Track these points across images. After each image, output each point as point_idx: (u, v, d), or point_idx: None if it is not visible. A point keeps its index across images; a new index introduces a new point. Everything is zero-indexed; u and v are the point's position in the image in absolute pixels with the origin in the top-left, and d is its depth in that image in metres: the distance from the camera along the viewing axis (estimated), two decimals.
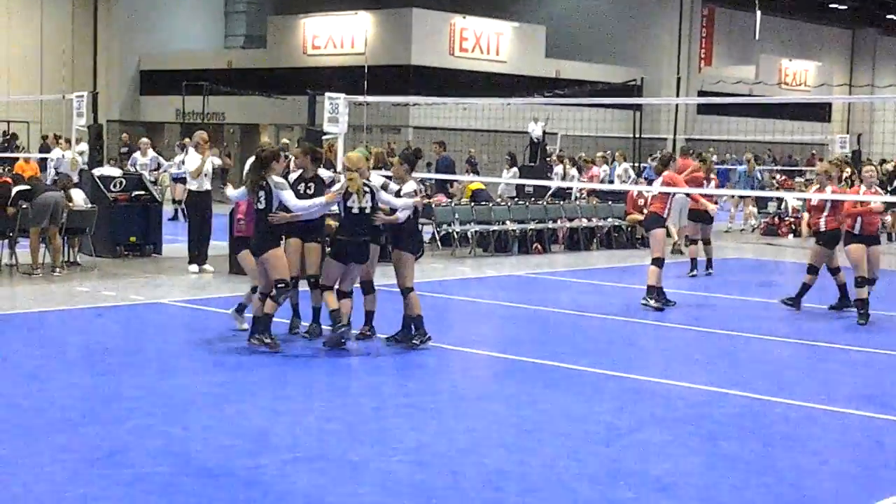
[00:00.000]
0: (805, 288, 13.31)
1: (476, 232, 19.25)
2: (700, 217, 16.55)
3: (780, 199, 24.85)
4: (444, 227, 19.18)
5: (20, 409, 7.88)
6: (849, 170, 25.52)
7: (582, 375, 9.55)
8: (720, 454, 7.24)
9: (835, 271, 13.48)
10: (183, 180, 19.74)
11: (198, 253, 15.45)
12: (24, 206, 14.48)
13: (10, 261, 14.91)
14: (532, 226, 20.01)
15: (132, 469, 6.50)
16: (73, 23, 42.93)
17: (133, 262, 16.43)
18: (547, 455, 7.04)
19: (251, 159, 15.31)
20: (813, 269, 13.29)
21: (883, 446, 7.70)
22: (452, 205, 19.97)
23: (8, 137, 34.78)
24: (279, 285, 9.81)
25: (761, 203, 27.94)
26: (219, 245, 15.79)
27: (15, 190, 14.71)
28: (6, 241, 14.94)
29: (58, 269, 14.72)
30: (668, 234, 20.68)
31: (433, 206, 19.62)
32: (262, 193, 9.84)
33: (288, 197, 9.89)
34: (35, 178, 16.75)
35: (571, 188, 22.99)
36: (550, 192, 23.00)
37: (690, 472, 6.83)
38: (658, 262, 13.22)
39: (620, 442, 7.47)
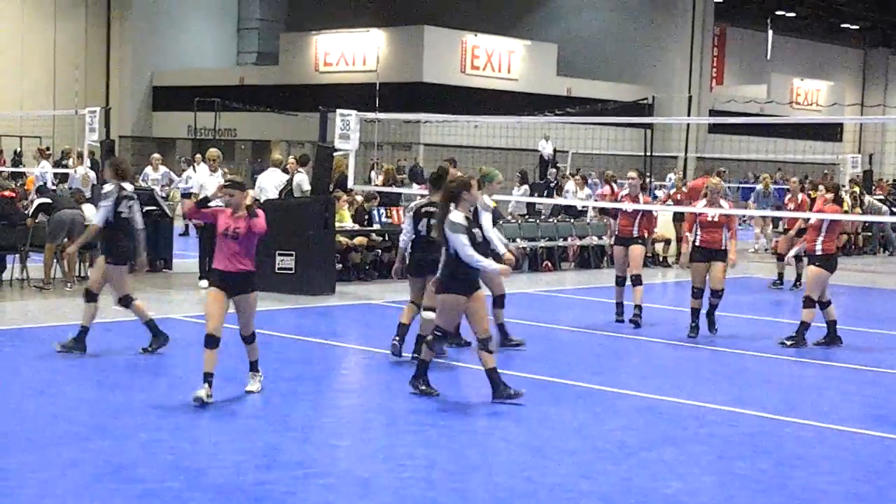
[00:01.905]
0: (697, 314, 12.55)
1: None
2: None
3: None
4: None
5: (29, 422, 7.87)
6: (857, 188, 25.53)
7: (592, 393, 9.52)
8: (732, 473, 7.20)
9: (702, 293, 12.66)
10: (190, 195, 19.76)
11: (208, 268, 15.44)
12: (38, 221, 14.52)
13: (21, 275, 14.95)
14: (542, 243, 19.99)
15: (141, 484, 6.48)
16: (87, 38, 43.17)
17: (144, 277, 16.39)
18: (557, 473, 7.01)
19: (300, 176, 14.95)
20: (700, 293, 12.51)
21: (894, 466, 7.65)
22: None
23: (63, 154, 34.83)
24: (437, 332, 9.09)
25: (776, 222, 27.74)
26: None
27: (37, 202, 14.79)
28: (17, 255, 14.97)
29: (69, 284, 14.74)
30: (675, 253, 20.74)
31: None
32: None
33: (459, 244, 8.74)
34: (53, 192, 16.82)
35: (584, 206, 22.93)
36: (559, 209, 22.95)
37: (702, 491, 6.79)
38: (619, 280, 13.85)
39: (631, 460, 7.43)
